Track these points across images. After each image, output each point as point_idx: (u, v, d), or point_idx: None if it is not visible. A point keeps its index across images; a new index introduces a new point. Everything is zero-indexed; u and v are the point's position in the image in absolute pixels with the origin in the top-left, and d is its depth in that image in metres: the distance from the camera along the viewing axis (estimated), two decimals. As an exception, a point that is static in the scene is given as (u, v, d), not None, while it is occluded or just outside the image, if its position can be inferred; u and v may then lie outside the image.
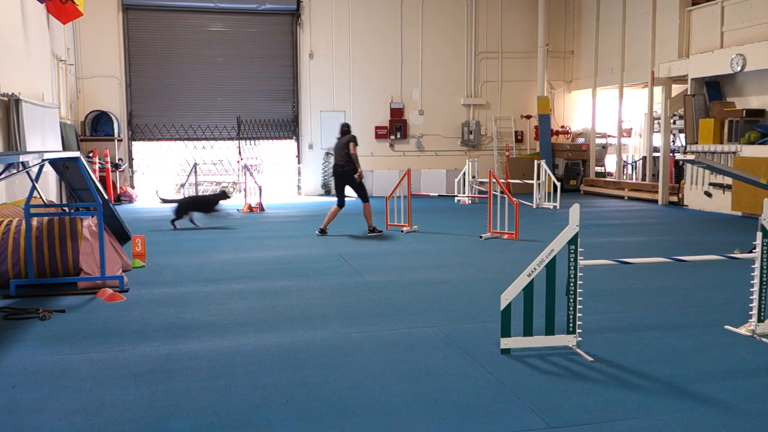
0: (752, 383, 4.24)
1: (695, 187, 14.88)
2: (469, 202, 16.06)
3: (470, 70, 20.29)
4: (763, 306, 5.16)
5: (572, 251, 4.69)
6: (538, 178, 14.89)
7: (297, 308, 6.18)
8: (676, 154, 16.94)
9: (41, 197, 8.40)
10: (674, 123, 17.14)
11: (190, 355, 4.83)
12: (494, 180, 10.74)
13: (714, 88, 14.81)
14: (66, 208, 8.88)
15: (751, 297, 5.21)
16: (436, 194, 14.91)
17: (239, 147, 18.92)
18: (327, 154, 19.24)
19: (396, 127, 19.69)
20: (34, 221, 7.01)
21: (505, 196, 10.40)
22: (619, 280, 7.26)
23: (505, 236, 10.39)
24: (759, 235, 5.07)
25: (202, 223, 12.11)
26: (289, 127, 19.38)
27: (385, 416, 3.76)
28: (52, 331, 5.41)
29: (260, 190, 15.17)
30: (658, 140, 16.89)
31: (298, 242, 10.29)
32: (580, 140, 20.58)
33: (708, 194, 14.49)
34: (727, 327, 5.43)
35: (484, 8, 20.20)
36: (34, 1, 12.13)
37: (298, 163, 19.42)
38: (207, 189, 19.20)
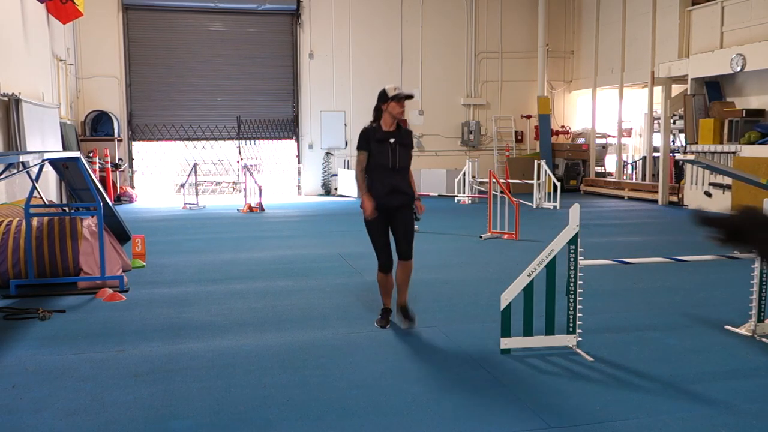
0: (752, 383, 4.24)
1: (695, 187, 14.87)
2: (469, 202, 16.05)
3: (470, 70, 20.28)
4: (763, 306, 5.16)
5: (572, 251, 4.69)
6: (538, 178, 14.88)
7: (297, 308, 6.18)
8: (676, 154, 16.94)
9: (41, 197, 8.40)
10: (674, 123, 17.13)
11: (190, 355, 4.83)
12: (494, 180, 10.74)
13: (714, 88, 14.80)
14: (66, 208, 8.88)
15: (751, 297, 5.21)
16: (436, 194, 14.91)
17: (239, 147, 18.91)
18: (327, 154, 19.24)
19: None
20: (34, 221, 7.01)
21: (505, 196, 10.39)
22: (619, 280, 7.26)
23: (505, 236, 10.39)
24: (759, 235, 5.06)
25: None
26: (289, 127, 19.37)
27: (384, 416, 3.76)
28: (52, 331, 5.41)
29: (260, 190, 15.17)
30: (658, 140, 16.88)
31: (298, 242, 10.29)
32: (580, 140, 20.57)
33: (708, 194, 14.47)
34: (727, 327, 5.42)
35: (484, 8, 20.19)
36: (34, 1, 12.13)
37: (298, 163, 19.40)
38: (207, 189, 19.22)
